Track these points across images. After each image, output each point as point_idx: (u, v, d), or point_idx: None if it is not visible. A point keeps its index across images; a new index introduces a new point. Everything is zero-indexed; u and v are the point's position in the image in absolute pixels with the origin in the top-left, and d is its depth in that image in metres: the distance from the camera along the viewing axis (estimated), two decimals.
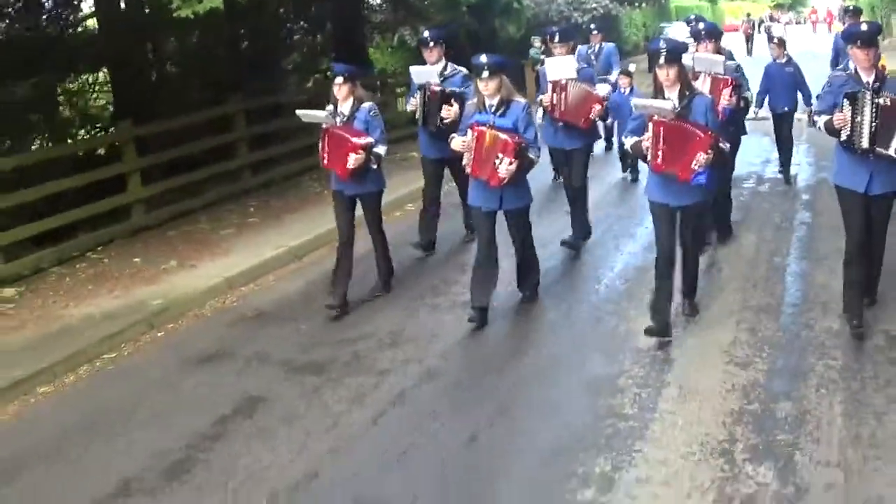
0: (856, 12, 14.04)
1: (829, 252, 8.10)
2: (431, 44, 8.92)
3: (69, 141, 12.71)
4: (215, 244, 10.00)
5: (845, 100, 6.41)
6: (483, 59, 7.12)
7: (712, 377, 6.02)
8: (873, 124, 6.30)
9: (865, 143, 6.34)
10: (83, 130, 13.68)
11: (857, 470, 4.77)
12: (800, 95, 11.67)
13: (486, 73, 7.05)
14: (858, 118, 6.34)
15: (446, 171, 9.43)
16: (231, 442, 5.59)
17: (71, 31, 13.82)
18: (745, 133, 9.40)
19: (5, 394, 6.47)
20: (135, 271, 9.15)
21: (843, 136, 6.47)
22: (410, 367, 6.54)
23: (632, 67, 12.33)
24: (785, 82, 11.53)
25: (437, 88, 8.76)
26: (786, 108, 11.68)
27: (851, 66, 7.27)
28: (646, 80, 12.18)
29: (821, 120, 6.75)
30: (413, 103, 9.06)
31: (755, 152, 12.96)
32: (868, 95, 6.31)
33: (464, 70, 9.09)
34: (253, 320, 7.90)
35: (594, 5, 26.73)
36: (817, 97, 8.03)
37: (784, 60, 11.75)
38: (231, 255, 9.55)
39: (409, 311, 7.74)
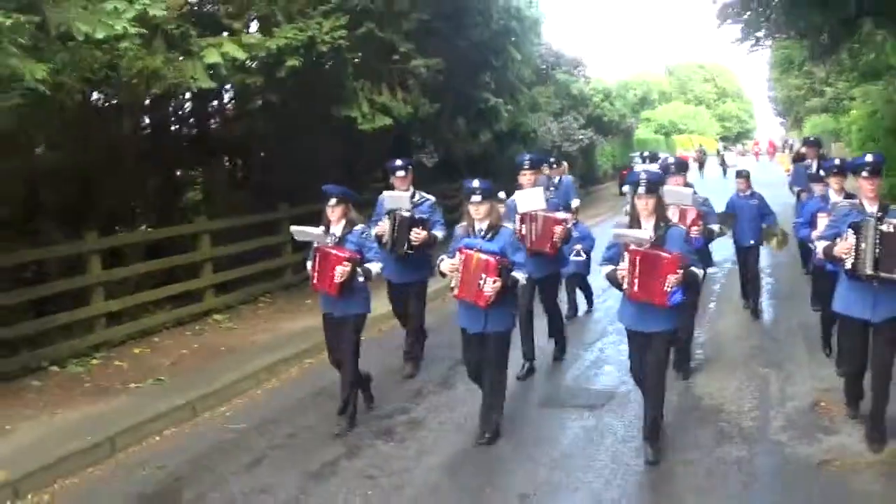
0: (814, 143, 14.36)
1: None
2: (402, 172, 9.06)
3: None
4: None
5: (850, 229, 6.65)
6: (475, 183, 7.20)
7: None
8: (877, 250, 6.52)
9: (869, 269, 6.54)
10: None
11: None
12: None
13: (478, 198, 7.13)
14: (863, 245, 6.57)
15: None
16: None
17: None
18: (712, 265, 9.67)
19: None
20: None
21: (848, 265, 6.69)
22: None
23: (575, 203, 12.41)
24: (751, 215, 11.46)
25: (407, 214, 8.82)
26: (751, 242, 11.60)
27: (831, 193, 8.30)
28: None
29: (820, 245, 7.10)
30: (380, 228, 8.94)
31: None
32: (872, 223, 6.56)
33: (432, 198, 9.33)
34: None
35: (580, 136, 29.13)
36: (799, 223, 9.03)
37: (748, 193, 11.66)
38: None
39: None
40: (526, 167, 9.14)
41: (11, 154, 9.23)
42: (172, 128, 13.51)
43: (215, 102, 13.52)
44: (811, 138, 15.19)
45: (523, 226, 8.77)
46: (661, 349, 6.85)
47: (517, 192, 9.16)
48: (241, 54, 10.76)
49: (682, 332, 8.27)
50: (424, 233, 8.72)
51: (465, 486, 6.57)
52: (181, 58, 10.31)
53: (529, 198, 8.85)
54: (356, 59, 12.72)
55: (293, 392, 8.61)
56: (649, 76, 79.27)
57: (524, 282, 7.31)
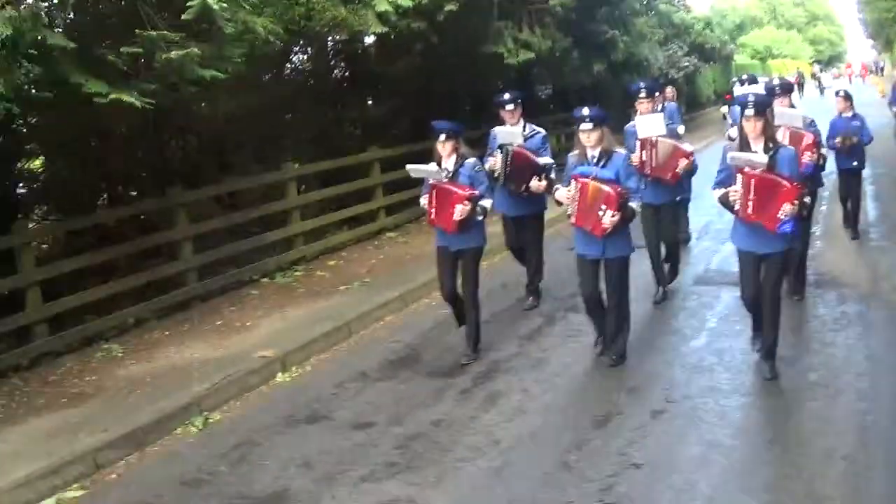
0: None
1: None
2: (511, 105, 9.05)
3: None
4: None
5: None
6: (585, 111, 7.18)
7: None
8: None
9: None
10: None
11: None
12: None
13: (589, 125, 7.12)
14: None
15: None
16: None
17: None
18: (822, 185, 9.64)
19: None
20: None
21: None
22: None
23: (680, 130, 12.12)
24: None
25: (530, 157, 8.85)
26: (854, 164, 11.46)
27: None
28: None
29: None
30: (493, 162, 8.98)
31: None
32: None
33: (543, 130, 9.37)
34: None
35: (685, 63, 30.15)
36: None
37: (850, 115, 11.47)
38: None
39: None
40: (643, 95, 9.17)
41: (240, 93, 10.85)
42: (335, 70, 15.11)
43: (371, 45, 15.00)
44: None
45: (643, 151, 8.79)
46: (775, 270, 6.89)
47: (637, 118, 9.19)
48: (406, 2, 12.25)
49: (795, 255, 8.18)
50: (545, 182, 8.75)
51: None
52: (357, 7, 11.82)
53: (649, 123, 8.85)
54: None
55: (484, 284, 8.70)
56: (739, 2, 78.71)
57: (638, 210, 7.32)
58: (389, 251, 12.65)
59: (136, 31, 7.85)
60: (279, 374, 8.22)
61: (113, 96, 7.72)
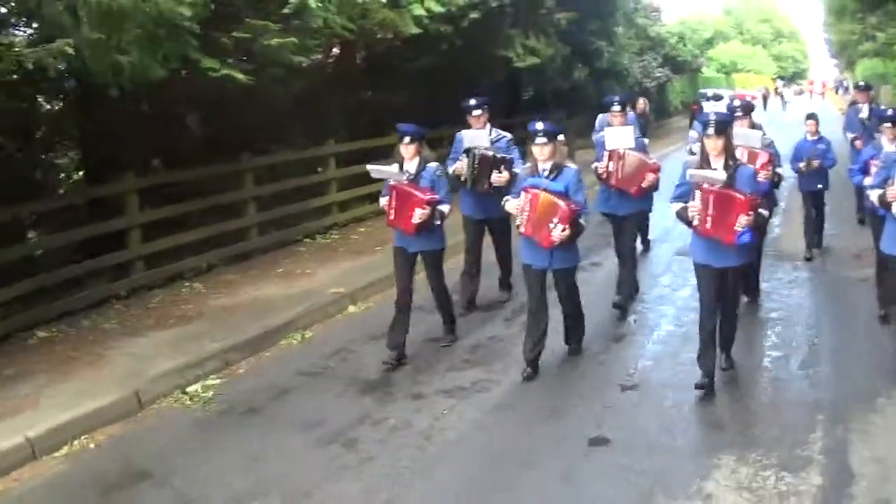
0: (866, 87, 14.24)
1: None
2: (478, 111, 9.12)
3: None
4: None
5: None
6: (540, 125, 7.32)
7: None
8: None
9: None
10: None
11: None
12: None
13: (542, 139, 7.24)
14: None
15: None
16: None
17: None
18: (776, 204, 9.87)
19: None
20: None
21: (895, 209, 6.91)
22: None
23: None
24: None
25: (489, 153, 8.97)
26: (819, 186, 11.49)
27: (884, 142, 8.53)
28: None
29: (874, 195, 7.23)
30: (459, 166, 9.12)
31: None
32: None
33: (508, 135, 9.47)
34: None
35: (658, 74, 32.44)
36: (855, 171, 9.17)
37: (816, 137, 11.52)
38: None
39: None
40: (616, 109, 9.44)
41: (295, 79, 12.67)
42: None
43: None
44: (861, 84, 15.05)
45: (610, 162, 8.98)
46: (733, 283, 7.13)
47: (606, 129, 9.41)
48: (438, 8, 14.17)
49: (750, 268, 8.61)
50: (506, 174, 8.87)
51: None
52: (402, 10, 13.71)
53: (618, 135, 9.01)
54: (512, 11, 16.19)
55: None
56: (707, 16, 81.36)
57: (584, 226, 7.43)
58: None
59: (246, 19, 9.69)
60: (350, 306, 10.14)
61: (224, 72, 9.57)
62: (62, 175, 11.61)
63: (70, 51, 6.52)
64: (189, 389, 7.74)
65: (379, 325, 8.75)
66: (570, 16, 16.90)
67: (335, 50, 15.71)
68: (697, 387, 7.01)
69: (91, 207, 10.42)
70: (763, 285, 9.91)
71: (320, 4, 9.94)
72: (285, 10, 9.88)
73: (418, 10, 13.89)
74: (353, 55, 16.64)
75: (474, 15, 14.57)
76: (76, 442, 6.73)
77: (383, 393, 7.52)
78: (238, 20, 9.74)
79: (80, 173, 11.83)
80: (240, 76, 9.59)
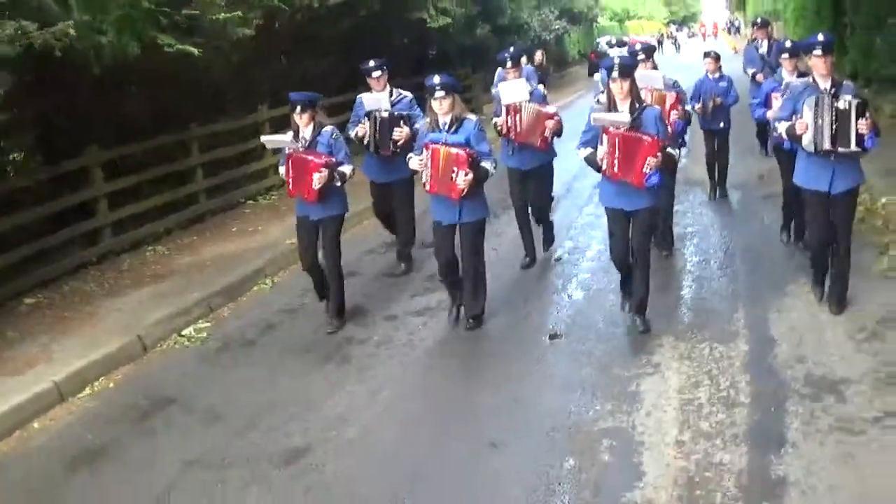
0: (763, 24, 14.20)
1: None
2: (378, 72, 9.01)
3: None
4: None
5: (805, 106, 6.74)
6: (437, 79, 7.27)
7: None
8: (833, 126, 6.60)
9: (827, 145, 6.65)
10: None
11: None
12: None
13: (441, 93, 7.21)
14: (820, 122, 6.64)
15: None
16: None
17: None
18: (685, 145, 9.81)
19: None
20: None
21: (806, 141, 6.77)
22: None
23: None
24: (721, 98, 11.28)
25: (391, 115, 8.90)
26: (721, 125, 11.47)
27: (784, 74, 8.61)
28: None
29: (782, 127, 7.08)
30: (361, 129, 9.09)
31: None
32: (827, 100, 6.63)
33: (409, 94, 9.36)
34: None
35: (556, 27, 33.59)
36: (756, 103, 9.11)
37: (717, 76, 11.44)
38: None
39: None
40: (509, 65, 9.16)
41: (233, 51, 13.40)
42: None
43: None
44: (758, 20, 14.80)
45: (508, 117, 8.92)
46: (644, 226, 7.15)
47: (501, 84, 9.35)
48: None
49: (662, 211, 8.65)
50: (406, 129, 8.77)
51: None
52: None
53: (513, 89, 8.90)
54: None
55: (350, 252, 9.58)
56: None
57: (493, 171, 7.44)
58: None
59: None
60: None
61: (178, 47, 10.32)
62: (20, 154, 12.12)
63: (72, 32, 7.25)
64: (184, 332, 8.63)
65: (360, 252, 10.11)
66: None
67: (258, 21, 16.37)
68: (622, 309, 7.61)
69: (56, 181, 11.06)
70: (677, 207, 10.65)
71: None
72: None
73: None
74: (274, 25, 17.35)
75: None
76: (96, 383, 7.59)
77: (361, 318, 8.51)
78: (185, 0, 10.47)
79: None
80: (193, 50, 10.33)
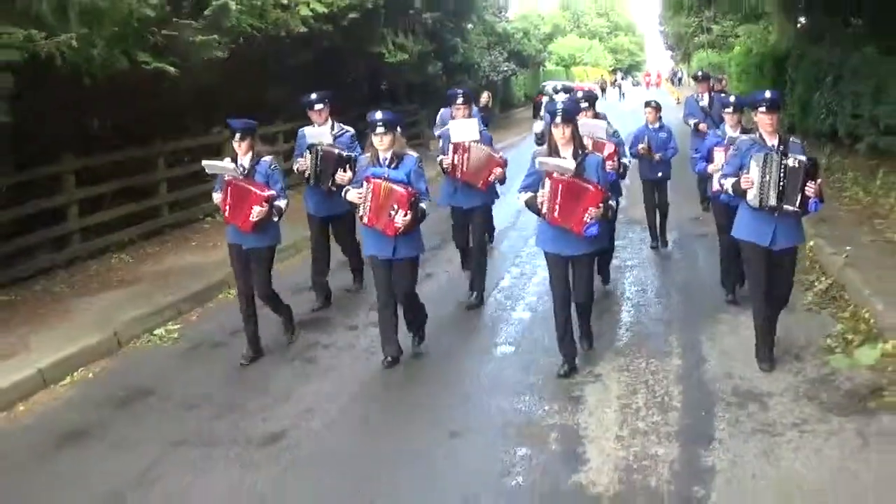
0: (705, 77, 14.31)
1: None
2: (320, 105, 9.01)
3: None
4: None
5: (752, 162, 6.77)
6: (378, 115, 7.26)
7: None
8: (781, 183, 6.67)
9: (773, 202, 6.71)
10: None
11: None
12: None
13: (381, 129, 7.20)
14: (767, 178, 6.70)
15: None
16: None
17: None
18: (621, 194, 9.95)
19: None
20: None
21: (751, 196, 6.81)
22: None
23: None
24: (660, 149, 11.27)
25: (336, 151, 8.89)
26: (660, 175, 11.46)
27: (728, 129, 8.68)
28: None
29: (727, 183, 7.07)
30: (302, 163, 9.08)
31: None
32: (776, 157, 6.69)
33: (351, 129, 9.36)
34: None
35: (505, 68, 34.66)
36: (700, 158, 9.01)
37: (657, 126, 11.41)
38: None
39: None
40: (460, 102, 9.23)
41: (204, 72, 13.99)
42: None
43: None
44: (700, 73, 14.89)
45: (455, 155, 8.91)
46: (585, 270, 7.29)
47: (451, 123, 9.32)
48: (322, 9, 15.72)
49: (604, 256, 9.35)
50: (350, 174, 8.57)
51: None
52: (292, 10, 15.19)
53: (464, 128, 8.92)
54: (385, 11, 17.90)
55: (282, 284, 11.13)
56: (544, 10, 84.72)
57: (428, 212, 7.47)
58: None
59: (175, 19, 11.07)
60: None
61: (155, 64, 10.93)
62: None
63: (74, 43, 7.82)
64: (156, 332, 9.20)
65: (297, 282, 10.42)
66: (436, 16, 18.74)
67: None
68: (560, 376, 7.28)
69: (24, 187, 11.51)
70: (617, 242, 11.21)
71: (236, 6, 11.37)
72: (206, 12, 11.27)
73: (305, 11, 15.41)
74: (246, 49, 18.00)
75: (354, 15, 16.15)
76: (76, 374, 8.12)
77: (325, 326, 9.16)
78: (166, 21, 11.08)
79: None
80: (170, 69, 10.94)
